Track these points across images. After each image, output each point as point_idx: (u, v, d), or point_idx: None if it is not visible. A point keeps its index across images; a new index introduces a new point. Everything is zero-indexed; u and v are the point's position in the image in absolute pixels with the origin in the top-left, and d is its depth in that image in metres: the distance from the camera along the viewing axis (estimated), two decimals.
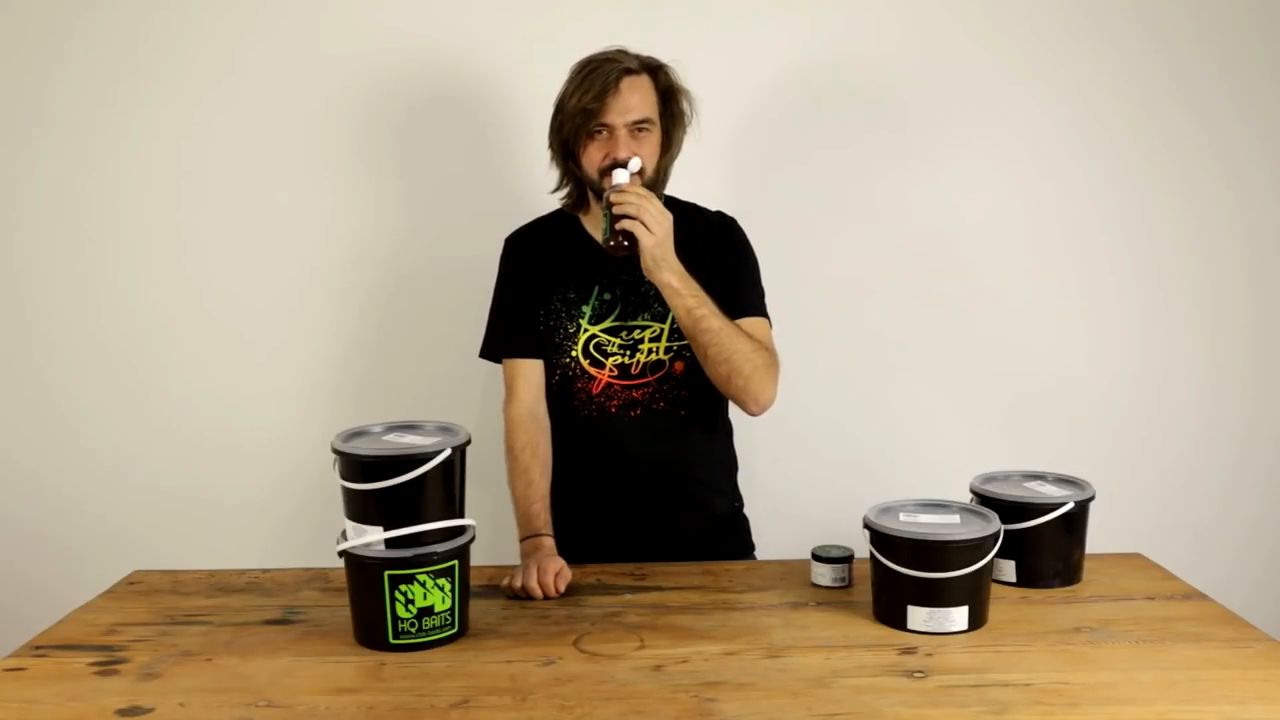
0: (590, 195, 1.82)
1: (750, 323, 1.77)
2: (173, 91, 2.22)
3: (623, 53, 1.75)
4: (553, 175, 1.85)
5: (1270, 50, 2.25)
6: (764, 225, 1.92)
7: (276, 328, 2.29)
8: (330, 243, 2.27)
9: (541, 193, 1.88)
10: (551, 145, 1.81)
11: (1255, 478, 2.36)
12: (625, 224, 1.62)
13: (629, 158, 1.70)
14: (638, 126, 1.72)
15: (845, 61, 2.24)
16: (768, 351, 1.75)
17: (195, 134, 2.23)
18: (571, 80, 1.75)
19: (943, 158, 2.26)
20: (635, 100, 1.72)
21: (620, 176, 1.67)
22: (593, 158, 1.74)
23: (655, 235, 1.61)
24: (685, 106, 1.79)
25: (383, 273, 2.28)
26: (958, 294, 2.29)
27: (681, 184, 1.90)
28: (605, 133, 1.72)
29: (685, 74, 1.80)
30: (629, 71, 1.72)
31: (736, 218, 1.88)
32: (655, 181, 1.78)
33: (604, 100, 1.70)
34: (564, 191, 1.85)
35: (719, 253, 1.81)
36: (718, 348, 1.67)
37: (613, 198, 1.64)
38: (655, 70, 1.76)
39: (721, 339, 1.67)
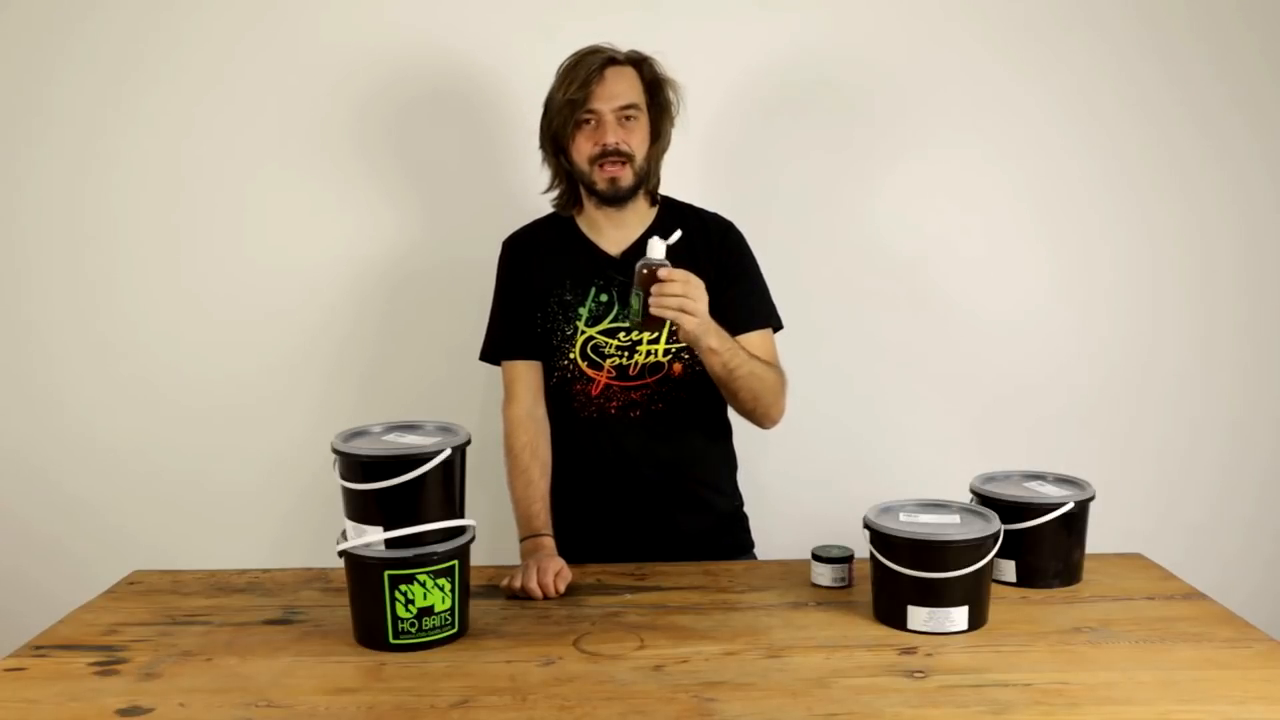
0: (584, 196, 1.81)
1: (757, 337, 1.78)
2: (172, 91, 2.22)
3: (606, 46, 1.76)
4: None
5: (1269, 50, 2.25)
6: (761, 225, 1.92)
7: (276, 327, 2.28)
8: (330, 242, 2.27)
9: (541, 194, 1.88)
10: (542, 144, 1.82)
11: (1255, 478, 2.36)
12: (666, 314, 1.53)
13: (621, 141, 1.72)
14: (625, 114, 1.73)
15: (843, 61, 2.23)
16: (779, 372, 1.77)
17: (194, 133, 2.23)
18: (557, 77, 1.76)
19: (941, 157, 2.26)
20: (621, 87, 1.73)
21: (656, 250, 1.56)
22: (582, 148, 1.75)
23: (698, 317, 1.56)
24: (671, 96, 1.80)
25: (383, 272, 2.27)
26: (957, 293, 2.29)
27: (680, 187, 1.90)
28: (593, 121, 1.73)
29: (683, 73, 1.80)
30: (613, 61, 1.74)
31: (735, 219, 1.88)
32: (648, 172, 1.79)
33: (590, 88, 1.71)
34: (555, 192, 1.85)
35: (721, 263, 1.80)
36: (748, 390, 1.70)
37: (653, 290, 1.53)
38: (640, 62, 1.77)
39: (750, 381, 1.69)
